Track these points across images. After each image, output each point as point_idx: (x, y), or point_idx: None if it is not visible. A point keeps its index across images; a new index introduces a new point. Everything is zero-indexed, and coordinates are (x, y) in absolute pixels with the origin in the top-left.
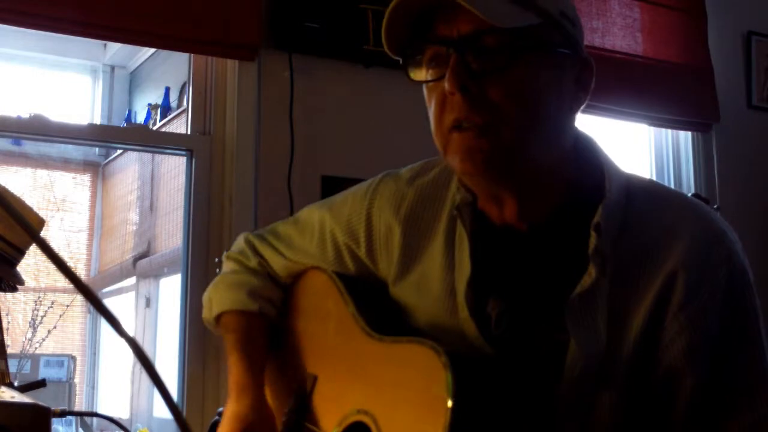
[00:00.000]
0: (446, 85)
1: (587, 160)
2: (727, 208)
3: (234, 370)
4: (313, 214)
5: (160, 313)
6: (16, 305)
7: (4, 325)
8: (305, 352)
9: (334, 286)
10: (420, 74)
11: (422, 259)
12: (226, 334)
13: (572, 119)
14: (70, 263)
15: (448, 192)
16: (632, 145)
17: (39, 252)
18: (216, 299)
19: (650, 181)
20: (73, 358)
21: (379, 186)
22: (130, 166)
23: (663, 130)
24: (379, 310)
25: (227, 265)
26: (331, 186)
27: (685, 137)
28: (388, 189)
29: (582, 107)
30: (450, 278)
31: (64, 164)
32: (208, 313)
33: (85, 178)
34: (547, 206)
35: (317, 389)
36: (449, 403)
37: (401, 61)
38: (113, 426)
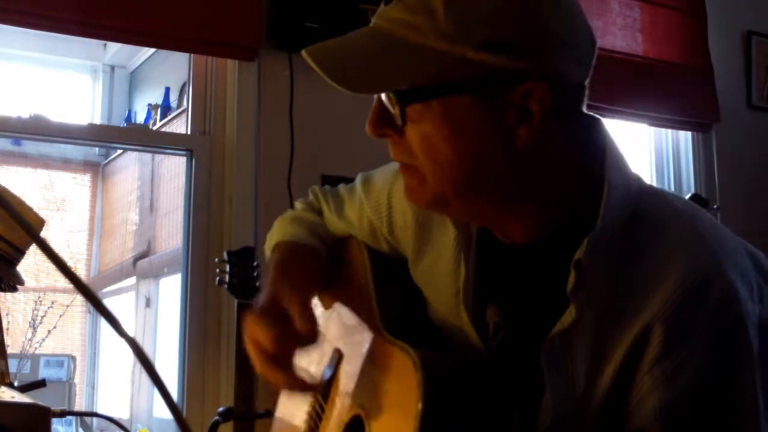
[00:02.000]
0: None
1: (591, 175)
2: (727, 208)
3: (271, 285)
4: (358, 184)
5: (160, 313)
6: (16, 305)
7: (4, 325)
8: (334, 321)
9: (363, 264)
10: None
11: (433, 249)
12: (280, 253)
13: (534, 143)
14: (70, 263)
15: None
16: (632, 145)
17: (39, 252)
18: (276, 232)
19: (663, 201)
20: (73, 358)
21: (398, 173)
22: (130, 166)
23: (663, 130)
24: (399, 298)
25: (297, 205)
26: (331, 186)
27: (685, 137)
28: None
29: (542, 132)
30: (456, 281)
31: (64, 164)
32: (268, 248)
33: (85, 178)
34: (550, 224)
35: (340, 371)
36: (420, 405)
37: None
38: (113, 426)
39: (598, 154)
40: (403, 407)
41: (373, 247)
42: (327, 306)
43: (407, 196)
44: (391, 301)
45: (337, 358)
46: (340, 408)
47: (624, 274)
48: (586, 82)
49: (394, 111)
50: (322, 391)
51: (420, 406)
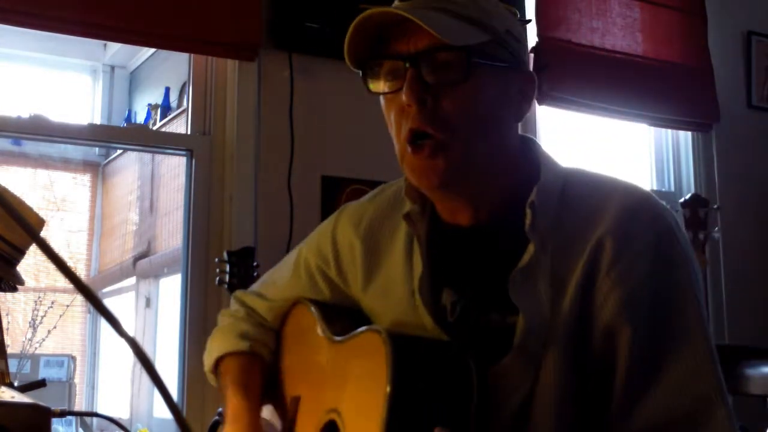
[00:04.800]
0: (404, 97)
1: (529, 159)
2: (727, 208)
3: (230, 401)
4: (292, 252)
5: (160, 313)
6: (16, 305)
7: (4, 325)
8: (293, 380)
9: (310, 312)
10: (378, 86)
11: (384, 267)
12: (223, 377)
13: (516, 127)
14: (70, 263)
15: (405, 203)
16: (632, 145)
17: (39, 252)
18: (212, 348)
19: (586, 170)
20: (73, 358)
21: (342, 211)
22: (130, 166)
23: (663, 130)
24: (346, 321)
25: (221, 321)
26: (331, 186)
27: (685, 137)
28: (349, 211)
29: (524, 116)
30: (409, 280)
31: (64, 164)
32: (207, 364)
33: (85, 178)
34: (495, 205)
35: (300, 408)
36: (387, 387)
37: (360, 74)
38: (113, 426)
39: (532, 145)
40: (372, 383)
41: (315, 299)
42: (286, 374)
43: (422, 179)
44: (339, 325)
45: (296, 402)
46: None
47: (565, 218)
48: None
49: (457, 66)
50: None
51: (389, 371)
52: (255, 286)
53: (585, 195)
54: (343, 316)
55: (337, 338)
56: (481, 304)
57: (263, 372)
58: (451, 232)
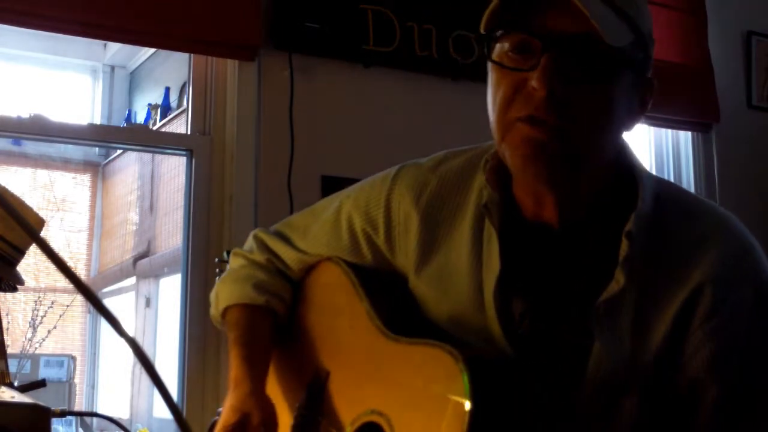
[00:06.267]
0: (534, 82)
1: (623, 166)
2: (727, 208)
3: (233, 363)
4: (331, 201)
5: (160, 313)
6: (16, 305)
7: (4, 325)
8: (317, 346)
9: (348, 280)
10: (502, 57)
11: (445, 250)
12: (230, 331)
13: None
14: (70, 263)
15: (473, 182)
16: (632, 145)
17: (39, 252)
18: (222, 294)
19: (679, 189)
20: (73, 358)
21: (400, 172)
22: (130, 166)
23: (663, 130)
24: (396, 305)
25: (234, 261)
26: (331, 186)
27: (685, 137)
28: (409, 176)
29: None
30: (478, 274)
31: (64, 164)
32: (215, 309)
33: (85, 178)
34: (583, 209)
35: (330, 385)
36: (467, 407)
37: (489, 36)
38: (113, 426)
39: (626, 150)
40: (442, 410)
41: (352, 261)
42: (307, 334)
43: (529, 158)
44: (388, 309)
45: (324, 376)
46: (338, 424)
47: (658, 251)
48: None
49: (603, 65)
50: (305, 413)
51: (468, 407)
52: (280, 227)
53: (682, 225)
54: (388, 292)
55: (392, 333)
56: (554, 319)
57: (274, 328)
58: (534, 229)
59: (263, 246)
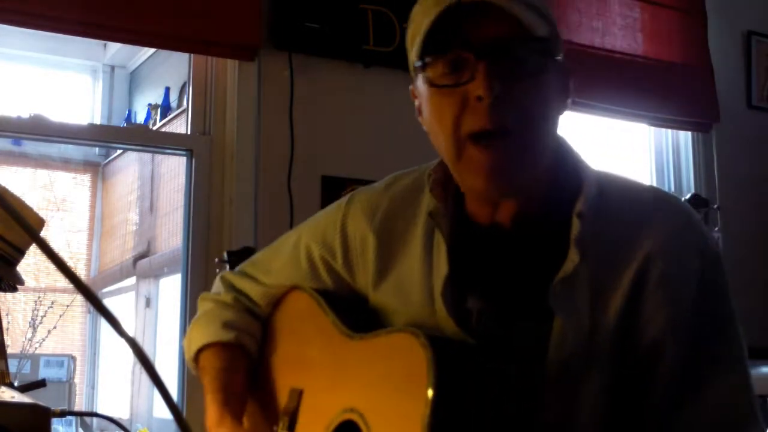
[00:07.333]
0: (478, 91)
1: (564, 158)
2: (727, 208)
3: (210, 408)
4: (290, 236)
5: (160, 313)
6: (16, 305)
7: (4, 325)
8: (290, 371)
9: (313, 300)
10: (439, 79)
11: (399, 264)
12: (204, 375)
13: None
14: (70, 263)
15: (423, 197)
16: (632, 145)
17: (39, 252)
18: (193, 337)
19: (619, 175)
20: (73, 358)
21: (353, 198)
22: (130, 166)
23: (663, 130)
24: (359, 316)
25: (203, 306)
26: (331, 186)
27: (685, 137)
28: (362, 200)
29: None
30: (429, 280)
31: (64, 164)
32: (188, 354)
33: (85, 178)
34: (535, 202)
35: (303, 403)
36: (431, 381)
37: (421, 64)
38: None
39: (566, 143)
40: (409, 388)
41: (315, 288)
42: (279, 364)
43: (491, 182)
44: (352, 318)
45: (297, 395)
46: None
47: (607, 229)
48: None
49: (535, 58)
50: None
51: (432, 379)
52: (244, 267)
53: (625, 205)
54: (352, 309)
55: (356, 334)
56: (510, 311)
57: (247, 367)
58: (481, 232)
59: (230, 286)
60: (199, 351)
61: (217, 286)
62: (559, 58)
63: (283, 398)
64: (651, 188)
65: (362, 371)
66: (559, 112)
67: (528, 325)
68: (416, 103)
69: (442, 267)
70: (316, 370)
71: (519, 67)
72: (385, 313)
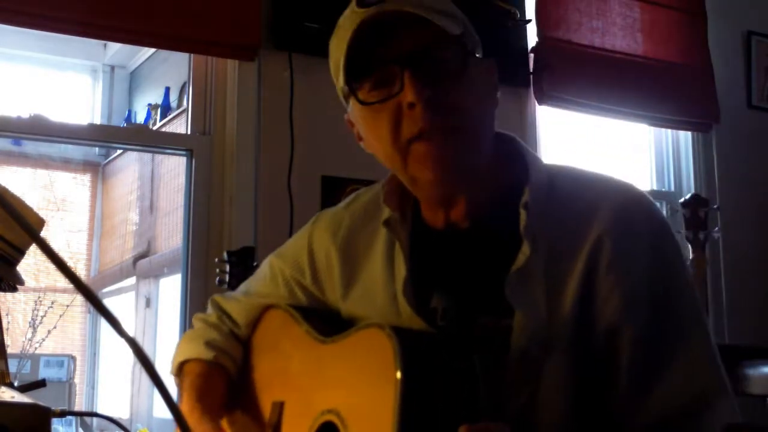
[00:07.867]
0: (409, 98)
1: (510, 152)
2: (727, 208)
3: (184, 404)
4: (268, 259)
5: (160, 313)
6: (16, 305)
7: (4, 325)
8: (271, 387)
9: (287, 314)
10: (370, 96)
11: (363, 273)
12: (182, 381)
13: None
14: (70, 263)
15: (382, 210)
16: (632, 145)
17: (39, 252)
18: (179, 352)
19: (573, 168)
20: (73, 358)
21: (317, 219)
22: (130, 166)
23: (663, 130)
24: (330, 324)
25: (194, 324)
26: (331, 186)
27: (685, 137)
28: (326, 219)
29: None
30: (391, 285)
31: (64, 164)
32: (171, 365)
33: (85, 178)
34: (488, 200)
35: (285, 413)
36: (398, 373)
37: (349, 89)
38: (113, 426)
39: (511, 138)
40: (378, 380)
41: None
42: (260, 381)
43: (436, 169)
44: (325, 326)
45: (278, 408)
46: None
47: (558, 217)
48: None
49: (455, 57)
50: None
51: (398, 372)
52: (234, 292)
53: (575, 193)
54: (324, 318)
55: (327, 338)
56: (473, 307)
57: (226, 383)
58: (438, 235)
59: (218, 307)
60: (182, 365)
61: (208, 308)
62: (478, 55)
63: (267, 414)
64: (602, 176)
65: (337, 372)
66: (491, 104)
67: (490, 319)
68: (354, 130)
69: (401, 270)
70: (295, 380)
71: (442, 67)
72: (356, 321)
